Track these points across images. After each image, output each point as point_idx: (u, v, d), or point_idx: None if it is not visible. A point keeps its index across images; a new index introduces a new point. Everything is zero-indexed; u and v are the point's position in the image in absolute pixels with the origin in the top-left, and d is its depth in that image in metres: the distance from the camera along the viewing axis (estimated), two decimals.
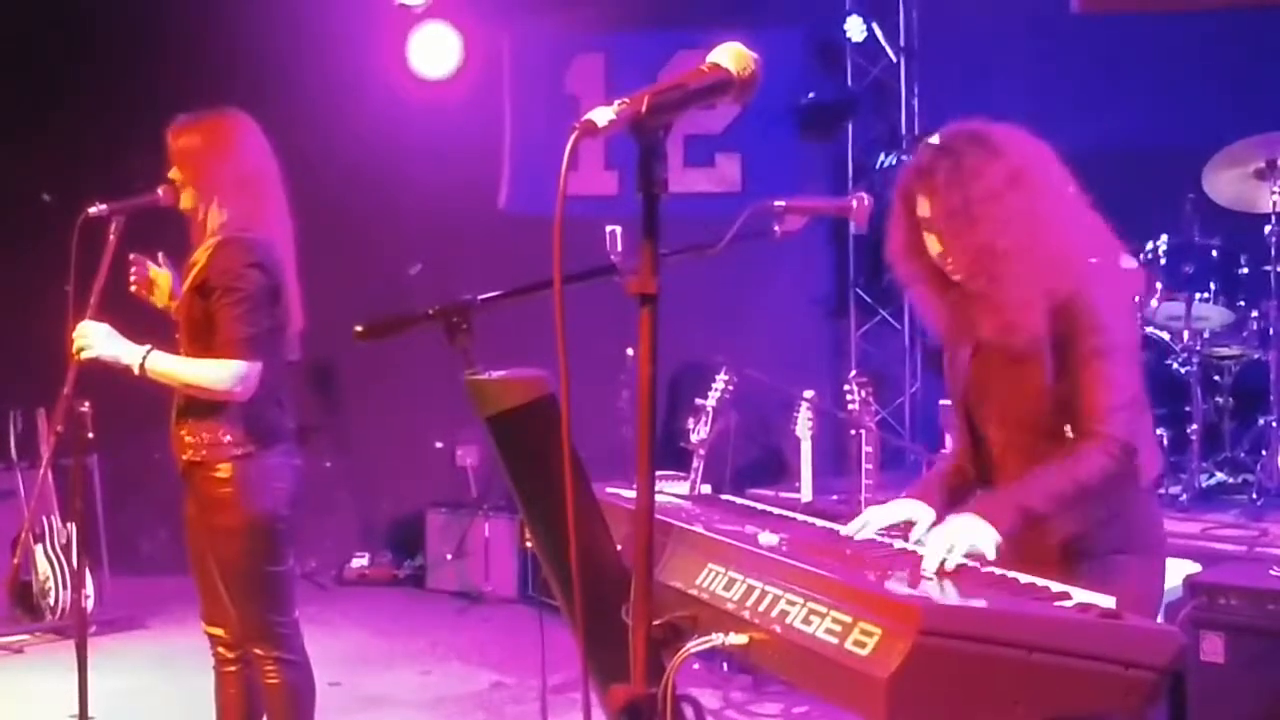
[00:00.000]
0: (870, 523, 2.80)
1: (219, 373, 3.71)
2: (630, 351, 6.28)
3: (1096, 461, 2.70)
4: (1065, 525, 2.78)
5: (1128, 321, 2.89)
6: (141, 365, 3.73)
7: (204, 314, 3.76)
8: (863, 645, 1.92)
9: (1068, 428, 2.79)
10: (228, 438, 3.78)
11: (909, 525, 2.84)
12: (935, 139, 2.83)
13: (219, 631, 4.00)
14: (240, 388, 3.71)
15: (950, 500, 2.94)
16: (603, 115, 1.78)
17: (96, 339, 3.73)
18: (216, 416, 3.79)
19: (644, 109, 1.80)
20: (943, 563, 2.44)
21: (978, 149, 2.77)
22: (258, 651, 3.89)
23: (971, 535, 2.55)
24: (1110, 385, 2.74)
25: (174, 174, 3.85)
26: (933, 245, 2.84)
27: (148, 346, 3.75)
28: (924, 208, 2.81)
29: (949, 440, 3.08)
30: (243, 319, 3.72)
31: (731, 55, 1.90)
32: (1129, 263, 3.03)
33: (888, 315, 8.20)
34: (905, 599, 2.02)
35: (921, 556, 2.48)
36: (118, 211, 3.79)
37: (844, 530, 2.77)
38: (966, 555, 2.50)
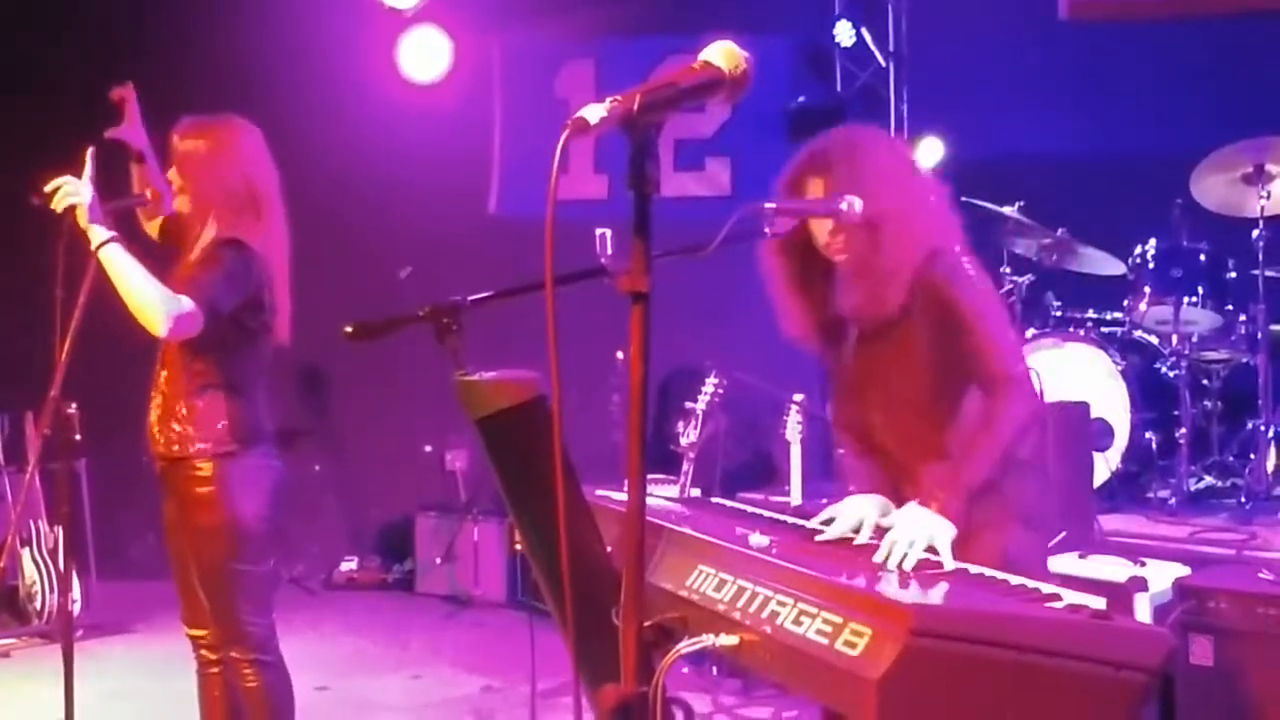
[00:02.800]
0: (854, 520, 2.84)
1: (164, 301, 3.56)
2: (620, 355, 6.29)
3: (1016, 408, 2.83)
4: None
5: (994, 292, 3.04)
6: (101, 245, 3.59)
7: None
8: (853, 646, 1.92)
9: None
10: (209, 436, 3.77)
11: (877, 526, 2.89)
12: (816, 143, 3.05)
13: (201, 634, 3.98)
14: (172, 325, 3.57)
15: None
16: (594, 113, 1.78)
17: (81, 194, 3.61)
18: (198, 414, 3.77)
19: (636, 107, 1.80)
20: (902, 559, 2.50)
21: (864, 134, 3.08)
22: (234, 654, 3.87)
23: (930, 530, 2.59)
24: (995, 333, 2.89)
25: (172, 175, 3.83)
26: (820, 231, 2.97)
27: (115, 234, 3.63)
28: (816, 187, 2.94)
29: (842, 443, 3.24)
30: (213, 282, 3.67)
31: (723, 54, 1.90)
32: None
33: None
34: (896, 600, 2.02)
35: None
36: (105, 213, 3.77)
37: (822, 537, 2.78)
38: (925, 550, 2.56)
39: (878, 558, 2.51)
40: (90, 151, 3.68)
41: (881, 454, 3.06)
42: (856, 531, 2.81)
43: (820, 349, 3.18)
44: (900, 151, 3.17)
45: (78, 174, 3.67)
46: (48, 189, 3.67)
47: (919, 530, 2.58)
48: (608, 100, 1.79)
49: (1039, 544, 3.09)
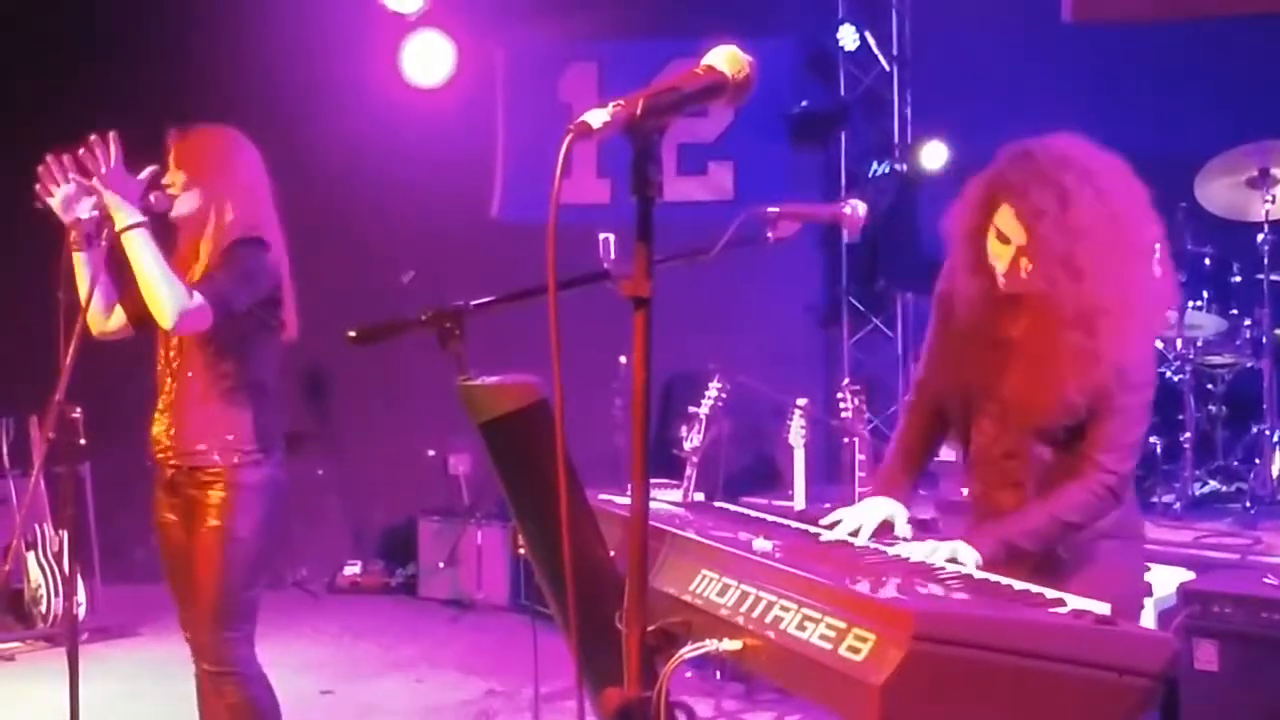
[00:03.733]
0: (846, 522, 2.85)
1: (179, 294, 3.57)
2: (623, 359, 6.29)
3: (1080, 499, 2.80)
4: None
5: (1154, 365, 2.95)
6: (125, 229, 3.58)
7: None
8: (856, 651, 1.91)
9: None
10: (228, 444, 3.77)
11: (888, 523, 2.90)
12: (1029, 152, 2.79)
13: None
14: (180, 319, 3.57)
15: (914, 493, 3.06)
16: (597, 117, 1.77)
17: (113, 171, 3.59)
18: (218, 421, 3.78)
19: (639, 111, 1.79)
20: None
21: (1083, 185, 2.73)
22: (207, 667, 3.84)
23: (954, 552, 2.63)
24: (1129, 423, 2.81)
25: (175, 177, 3.80)
26: (1003, 258, 2.80)
27: (145, 219, 3.62)
28: (1016, 233, 2.77)
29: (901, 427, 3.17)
30: (231, 284, 3.68)
31: (726, 58, 1.90)
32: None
33: (880, 323, 8.22)
34: (899, 605, 2.01)
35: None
36: (109, 217, 3.76)
37: (825, 536, 2.78)
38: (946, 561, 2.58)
39: (894, 551, 2.52)
40: (112, 135, 3.64)
41: (980, 462, 3.01)
42: (856, 535, 2.82)
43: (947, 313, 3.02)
44: (1117, 216, 2.76)
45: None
46: (84, 216, 3.66)
47: (944, 548, 2.63)
48: (611, 104, 1.78)
49: (1134, 555, 3.08)
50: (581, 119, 1.76)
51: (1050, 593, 2.29)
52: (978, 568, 2.60)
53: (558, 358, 1.85)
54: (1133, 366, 2.80)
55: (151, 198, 3.77)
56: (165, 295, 3.57)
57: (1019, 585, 2.35)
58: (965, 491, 3.16)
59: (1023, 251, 2.77)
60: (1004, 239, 2.79)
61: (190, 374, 3.81)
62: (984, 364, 2.95)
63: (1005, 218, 2.78)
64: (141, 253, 3.59)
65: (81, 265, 3.74)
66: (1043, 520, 2.79)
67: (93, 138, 3.60)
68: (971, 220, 2.86)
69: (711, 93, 1.89)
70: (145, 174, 3.69)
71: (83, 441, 3.82)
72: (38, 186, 3.74)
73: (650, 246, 1.82)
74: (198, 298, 3.61)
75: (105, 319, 3.87)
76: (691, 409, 5.85)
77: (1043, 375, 2.84)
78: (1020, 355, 2.90)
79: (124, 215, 3.60)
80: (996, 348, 2.93)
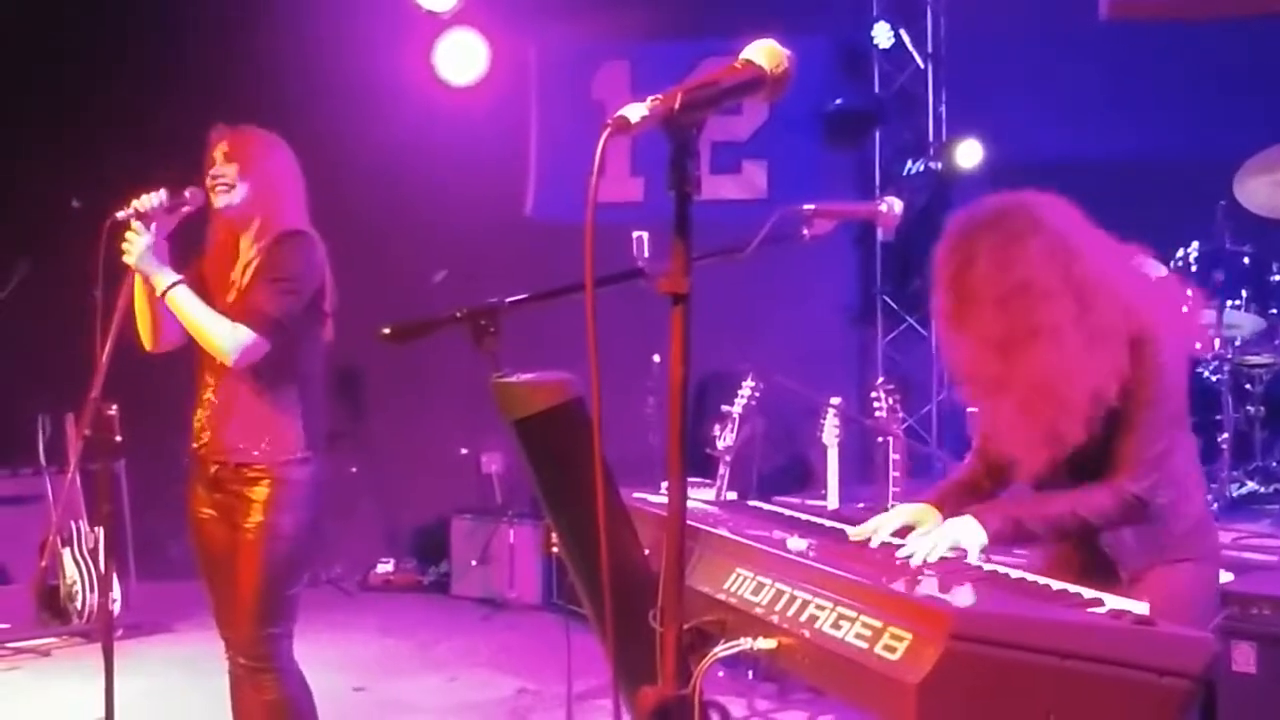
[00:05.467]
0: (879, 529, 2.79)
1: (229, 335, 3.71)
2: (656, 358, 6.28)
3: (1103, 501, 2.74)
4: (1124, 561, 2.84)
5: (1182, 378, 2.87)
6: (166, 291, 3.74)
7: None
8: (893, 650, 1.90)
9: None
10: (274, 443, 3.79)
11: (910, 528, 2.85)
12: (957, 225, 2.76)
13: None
14: (238, 356, 3.71)
15: (961, 508, 2.89)
16: (635, 111, 1.76)
17: (136, 248, 3.73)
18: (263, 419, 3.80)
19: (677, 106, 1.78)
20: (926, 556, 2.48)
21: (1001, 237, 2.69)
22: (245, 662, 3.86)
23: (957, 534, 2.59)
24: (1146, 437, 2.75)
25: (227, 169, 3.82)
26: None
27: (180, 277, 3.76)
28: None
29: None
30: (277, 300, 3.74)
31: (764, 52, 1.89)
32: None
33: (914, 322, 8.18)
34: (936, 604, 2.00)
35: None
36: (145, 217, 3.78)
37: (852, 534, 2.76)
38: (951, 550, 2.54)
39: (901, 553, 2.51)
40: (163, 193, 3.76)
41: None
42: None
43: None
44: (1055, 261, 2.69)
45: (116, 183, 3.70)
46: (120, 216, 3.74)
47: (947, 532, 2.59)
48: (649, 99, 1.78)
49: (1212, 579, 3.04)
50: (619, 113, 1.75)
51: (1088, 592, 2.27)
52: (982, 548, 2.57)
53: (595, 356, 1.84)
54: (1143, 382, 2.73)
55: (187, 193, 3.79)
56: (219, 340, 3.72)
57: (1056, 585, 2.34)
58: None
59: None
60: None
61: (233, 370, 3.82)
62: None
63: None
64: (187, 307, 3.75)
65: (142, 292, 3.84)
66: (1063, 510, 2.74)
67: (128, 210, 3.71)
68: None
69: (750, 87, 1.88)
70: (158, 202, 3.75)
71: (119, 439, 3.84)
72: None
73: (688, 243, 1.81)
74: (246, 333, 3.71)
75: (164, 337, 3.92)
76: (725, 408, 5.84)
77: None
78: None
79: (161, 279, 3.75)
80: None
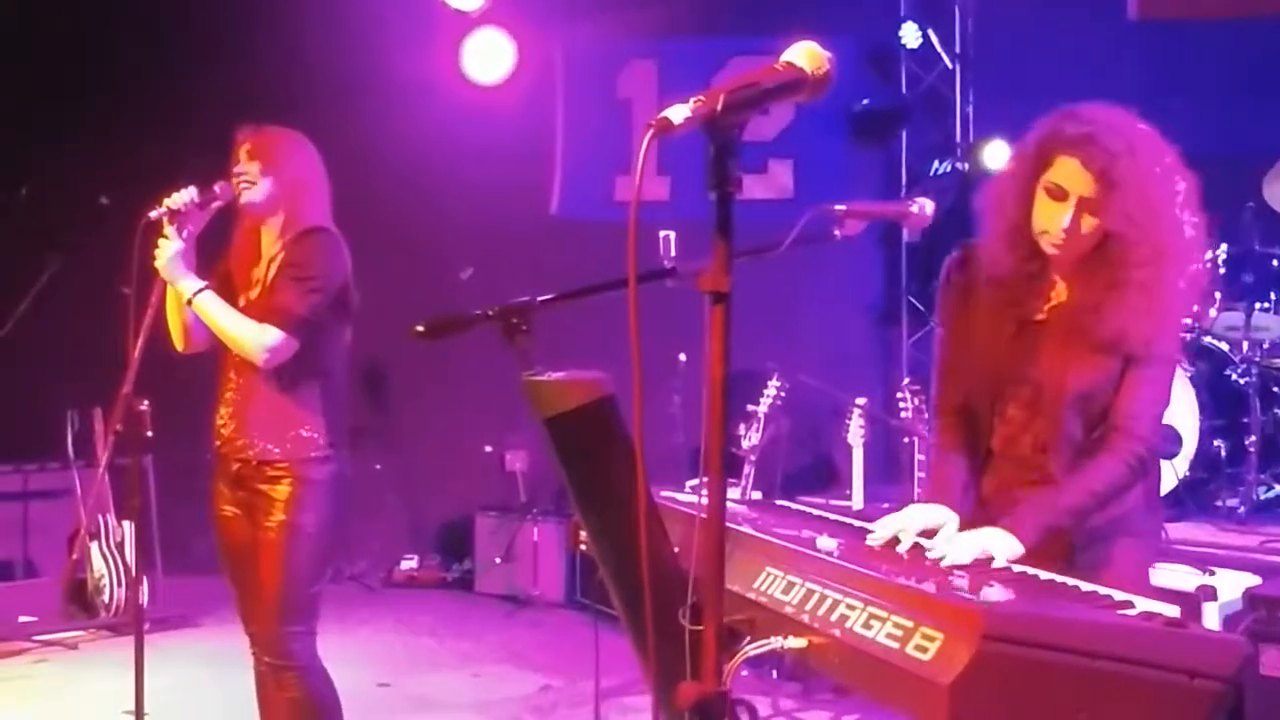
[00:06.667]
0: (897, 527, 2.77)
1: (257, 336, 3.74)
2: (683, 357, 6.28)
3: (1115, 470, 2.76)
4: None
5: (1180, 332, 2.97)
6: (191, 299, 3.78)
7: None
8: (924, 650, 1.90)
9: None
10: (296, 441, 3.81)
11: (934, 530, 2.82)
12: (1075, 112, 2.85)
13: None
14: (267, 356, 3.74)
15: (966, 501, 2.95)
16: (678, 113, 1.77)
17: (164, 255, 3.78)
18: (285, 417, 3.81)
19: (719, 107, 1.79)
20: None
21: (1140, 136, 2.81)
22: (269, 660, 3.88)
23: (988, 541, 2.58)
24: (1156, 391, 2.80)
25: (250, 168, 3.85)
26: (1058, 216, 2.76)
27: (205, 284, 3.80)
28: (1079, 184, 2.75)
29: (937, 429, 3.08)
30: (303, 299, 3.76)
31: (805, 54, 1.89)
32: None
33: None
34: (968, 604, 2.00)
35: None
36: (178, 215, 3.80)
37: (871, 539, 2.73)
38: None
39: (931, 555, 2.49)
40: (193, 190, 3.79)
41: (1001, 450, 2.96)
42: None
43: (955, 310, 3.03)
44: (1173, 171, 2.83)
45: (146, 180, 3.72)
46: (154, 215, 3.77)
47: (986, 542, 2.56)
48: (691, 100, 1.78)
49: (1146, 553, 3.05)
50: (662, 115, 1.76)
51: (1118, 594, 2.27)
52: (1014, 557, 2.56)
53: (638, 356, 1.85)
54: (1166, 335, 2.80)
55: (216, 187, 3.81)
56: (247, 342, 3.75)
57: (1086, 586, 2.33)
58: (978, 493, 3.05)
59: (1085, 205, 2.74)
60: (1059, 195, 2.75)
61: (256, 368, 3.83)
62: (1013, 348, 2.91)
63: (1065, 171, 2.75)
64: (213, 312, 3.79)
65: (173, 294, 3.87)
66: (1081, 496, 2.75)
67: (160, 210, 3.74)
68: (1018, 185, 2.83)
69: (791, 89, 1.88)
70: (189, 199, 3.77)
71: (150, 434, 3.86)
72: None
73: (729, 242, 1.82)
74: (274, 333, 3.73)
75: (193, 340, 3.95)
76: (750, 407, 5.84)
77: (1077, 349, 2.82)
78: (1051, 334, 2.87)
79: (186, 286, 3.79)
80: (1023, 329, 2.91)
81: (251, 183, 3.84)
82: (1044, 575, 2.44)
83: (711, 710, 1.80)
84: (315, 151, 4.00)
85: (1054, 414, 2.86)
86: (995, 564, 2.51)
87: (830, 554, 2.31)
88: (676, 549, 2.44)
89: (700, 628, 1.95)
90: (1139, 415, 2.78)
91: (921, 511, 2.82)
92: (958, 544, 2.55)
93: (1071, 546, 2.83)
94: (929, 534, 2.74)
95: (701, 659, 1.85)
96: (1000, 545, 2.58)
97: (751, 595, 2.31)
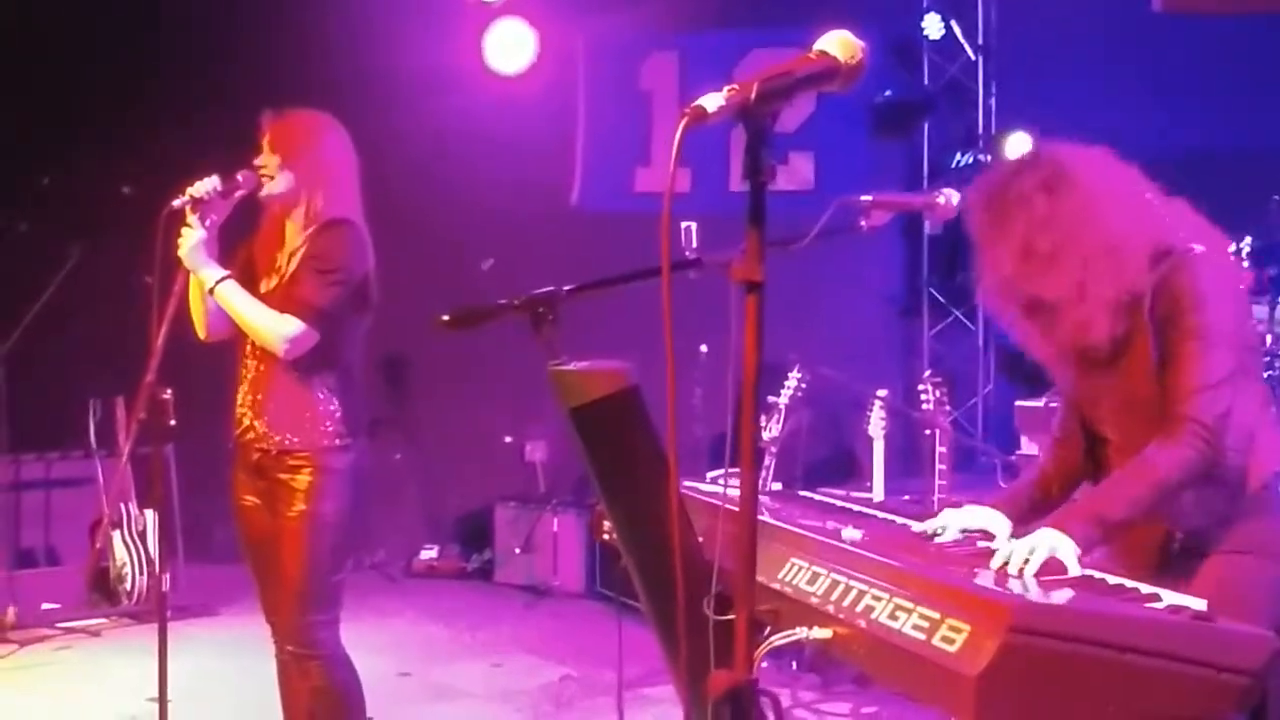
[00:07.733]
0: (948, 525, 2.76)
1: (278, 326, 3.74)
2: (704, 348, 6.27)
3: (1173, 456, 2.60)
4: (1178, 522, 2.75)
5: (1230, 306, 2.74)
6: (213, 288, 3.78)
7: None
8: (951, 642, 1.90)
9: None
10: (314, 430, 3.81)
11: (984, 533, 2.79)
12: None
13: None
14: (288, 347, 3.75)
15: (1029, 515, 2.86)
16: (712, 102, 1.77)
17: (187, 243, 3.78)
18: (303, 406, 3.82)
19: (753, 96, 1.79)
20: (1023, 565, 2.38)
21: (1016, 165, 2.79)
22: (292, 649, 3.89)
23: (1052, 545, 2.46)
24: (1199, 366, 2.63)
25: (269, 160, 3.85)
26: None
27: (227, 273, 3.80)
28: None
29: (1023, 441, 3.03)
30: (324, 291, 3.76)
31: (839, 43, 1.89)
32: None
33: (961, 315, 8.14)
34: (995, 596, 2.00)
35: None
36: (200, 203, 3.80)
37: (917, 528, 2.74)
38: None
39: (994, 562, 2.39)
40: (215, 179, 3.79)
41: (1113, 467, 2.87)
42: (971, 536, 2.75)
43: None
44: (1053, 175, 2.78)
45: (167, 170, 3.72)
46: (177, 204, 3.77)
47: (1041, 543, 2.45)
48: (725, 89, 1.78)
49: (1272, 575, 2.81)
50: (696, 103, 1.76)
51: (1145, 587, 2.26)
52: (1079, 559, 2.47)
53: (670, 346, 1.86)
54: (1184, 311, 2.67)
55: (239, 176, 3.82)
56: (268, 332, 3.76)
57: (1113, 579, 2.33)
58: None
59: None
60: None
61: (276, 358, 3.84)
62: (1077, 386, 2.93)
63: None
64: (235, 302, 3.79)
65: (196, 282, 3.87)
66: (1141, 486, 2.60)
67: (183, 199, 3.75)
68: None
69: (824, 78, 1.88)
70: (211, 188, 3.78)
71: (173, 422, 3.87)
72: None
73: (763, 231, 1.82)
74: (295, 323, 3.74)
75: (214, 329, 3.96)
76: (771, 399, 5.84)
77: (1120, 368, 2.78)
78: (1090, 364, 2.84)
79: (208, 275, 3.79)
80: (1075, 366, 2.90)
81: (271, 176, 3.85)
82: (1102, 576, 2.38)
83: (742, 699, 1.80)
84: (343, 133, 3.98)
85: (1133, 428, 2.77)
86: (1069, 572, 2.40)
87: (854, 544, 2.31)
88: (700, 539, 2.44)
89: (725, 618, 1.95)
90: (1186, 395, 2.63)
91: (976, 513, 2.81)
92: (1022, 548, 2.44)
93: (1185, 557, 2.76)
94: (974, 533, 2.73)
95: (730, 648, 1.85)
96: (1060, 545, 2.46)
97: (776, 586, 2.32)
